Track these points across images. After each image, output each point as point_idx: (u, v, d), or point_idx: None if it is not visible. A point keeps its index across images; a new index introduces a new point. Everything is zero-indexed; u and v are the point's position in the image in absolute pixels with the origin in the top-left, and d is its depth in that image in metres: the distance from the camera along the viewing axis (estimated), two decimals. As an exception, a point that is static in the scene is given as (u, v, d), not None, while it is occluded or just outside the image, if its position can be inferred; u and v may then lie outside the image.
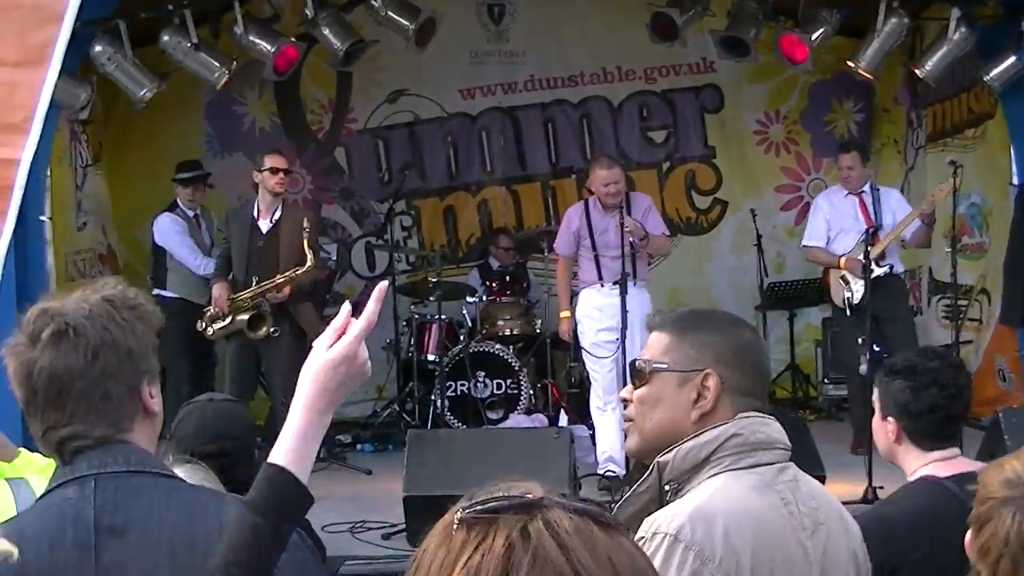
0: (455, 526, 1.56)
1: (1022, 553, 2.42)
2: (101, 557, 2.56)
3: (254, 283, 10.36)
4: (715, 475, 3.03)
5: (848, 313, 10.93)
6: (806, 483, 3.13)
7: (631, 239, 10.16)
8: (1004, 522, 2.46)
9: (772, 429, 3.11)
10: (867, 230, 10.51)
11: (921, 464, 4.32)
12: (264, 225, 10.53)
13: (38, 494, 3.82)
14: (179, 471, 3.65)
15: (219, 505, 2.62)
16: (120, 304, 2.77)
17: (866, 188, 11.25)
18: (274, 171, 10.48)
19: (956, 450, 4.37)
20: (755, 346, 3.32)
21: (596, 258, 10.51)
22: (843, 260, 10.93)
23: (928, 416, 4.31)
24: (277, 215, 10.55)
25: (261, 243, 10.50)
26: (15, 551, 2.23)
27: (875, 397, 4.48)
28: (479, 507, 1.56)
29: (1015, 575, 2.43)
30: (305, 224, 10.34)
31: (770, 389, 10.99)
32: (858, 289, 10.65)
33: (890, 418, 4.37)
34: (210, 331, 10.56)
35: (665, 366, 3.18)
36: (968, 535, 2.60)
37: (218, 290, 10.47)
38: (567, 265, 10.78)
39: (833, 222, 11.26)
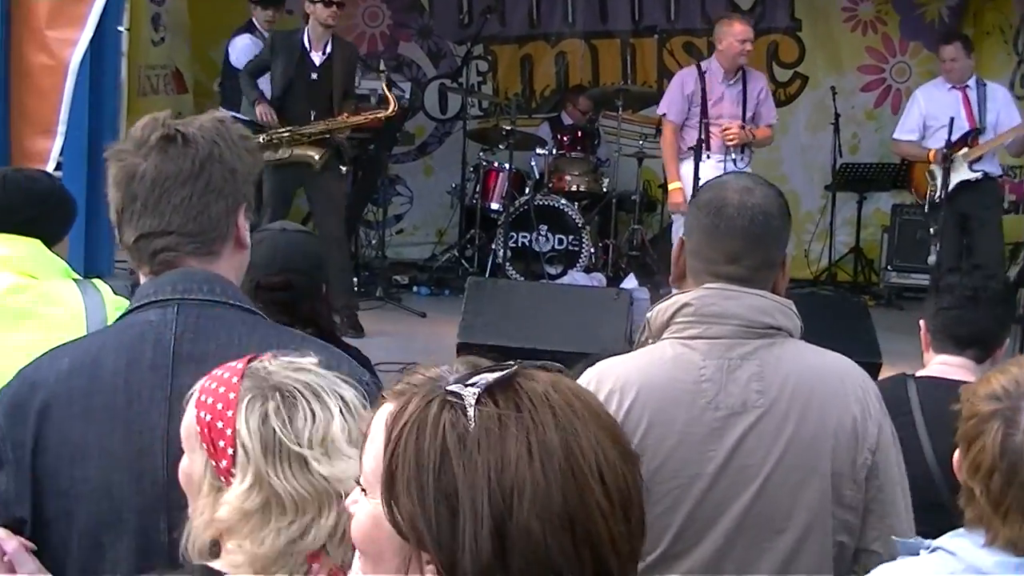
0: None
1: (1012, 466, 2.39)
2: (176, 382, 2.53)
3: (311, 116, 10.18)
4: (666, 339, 3.11)
5: (927, 209, 10.67)
6: (773, 365, 3.06)
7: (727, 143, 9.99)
8: (992, 436, 2.43)
9: (736, 304, 3.07)
10: (969, 131, 10.29)
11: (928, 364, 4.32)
12: (317, 58, 10.29)
13: (107, 302, 3.85)
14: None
15: (299, 347, 2.58)
16: (230, 127, 2.76)
17: (971, 82, 10.73)
18: (327, 3, 10.20)
19: (962, 359, 4.25)
20: (726, 211, 3.17)
21: (706, 126, 10.03)
22: (932, 152, 10.52)
23: (944, 315, 4.27)
24: (329, 48, 10.36)
25: (315, 75, 10.31)
26: None
27: None
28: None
29: (1008, 487, 2.40)
30: (382, 67, 10.19)
31: (832, 271, 10.98)
32: (944, 185, 10.41)
33: (923, 319, 4.35)
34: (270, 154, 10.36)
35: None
36: (956, 454, 2.56)
37: (264, 107, 10.20)
38: (676, 131, 10.18)
39: (930, 117, 10.74)
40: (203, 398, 2.18)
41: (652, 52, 13.87)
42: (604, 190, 12.36)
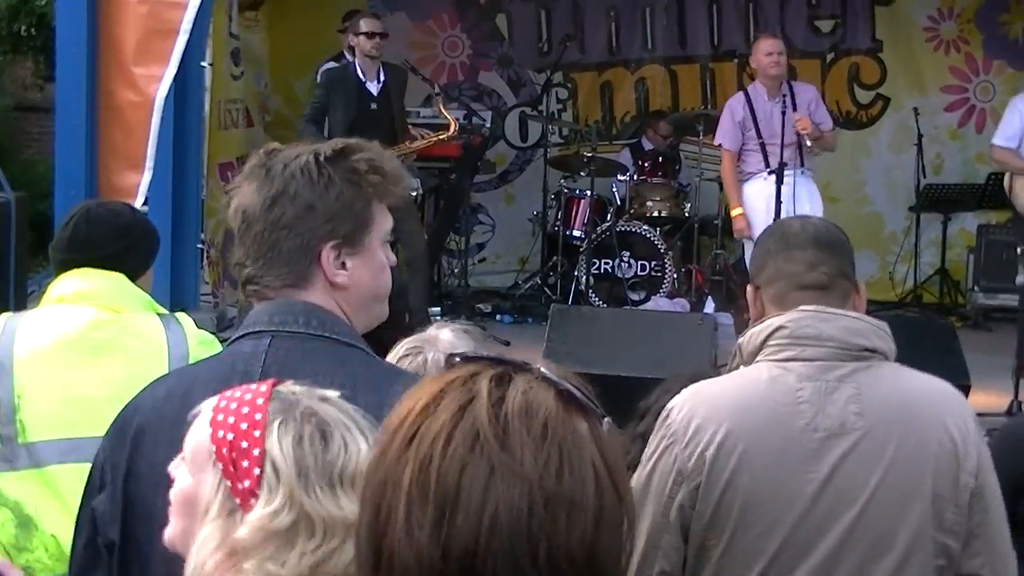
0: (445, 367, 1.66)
1: None
2: None
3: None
4: (760, 362, 3.12)
5: None
6: (871, 386, 3.05)
7: (804, 137, 10.04)
8: None
9: (831, 326, 3.07)
10: None
11: None
12: (374, 88, 10.40)
13: (189, 336, 3.89)
14: (444, 333, 3.66)
15: (389, 384, 2.57)
16: (335, 159, 2.70)
17: None
18: (370, 35, 10.32)
19: None
20: (790, 231, 3.36)
21: (763, 146, 10.31)
22: None
23: None
24: (382, 76, 10.43)
25: (374, 106, 10.39)
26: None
27: None
28: (467, 356, 1.64)
29: None
30: (437, 90, 10.25)
31: (918, 293, 10.92)
32: None
33: None
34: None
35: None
36: None
37: None
38: (733, 160, 10.51)
39: None
40: (220, 417, 2.13)
41: (732, 76, 13.82)
42: (686, 215, 12.33)
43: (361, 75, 10.39)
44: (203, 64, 10.20)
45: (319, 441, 2.09)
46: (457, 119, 11.10)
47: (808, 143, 10.12)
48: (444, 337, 3.63)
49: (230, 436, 2.10)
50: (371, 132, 10.02)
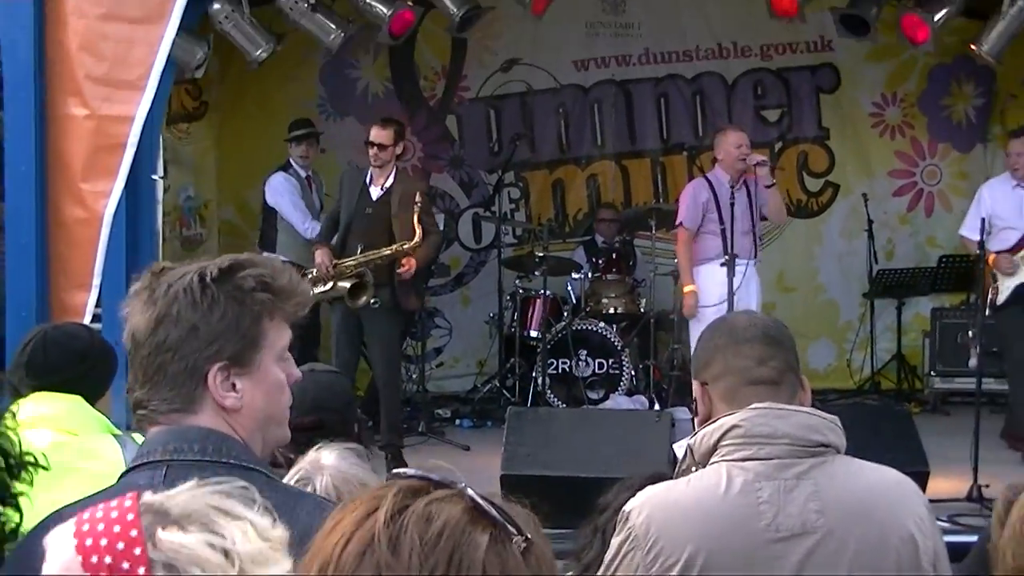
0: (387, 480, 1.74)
1: None
2: None
3: (358, 251, 10.28)
4: (715, 463, 3.09)
5: (989, 311, 10.39)
6: (829, 483, 3.05)
7: (759, 171, 10.30)
8: None
9: (785, 423, 3.06)
10: None
11: None
12: (375, 192, 10.41)
13: None
14: (327, 457, 3.60)
15: (292, 506, 2.51)
16: (221, 277, 2.64)
17: None
18: (369, 145, 10.35)
19: None
20: (737, 326, 3.34)
21: (723, 232, 10.40)
22: (992, 257, 10.31)
23: None
24: (389, 182, 10.44)
25: (370, 210, 10.39)
26: None
27: None
28: (398, 473, 1.73)
29: None
30: (417, 199, 10.27)
31: (875, 379, 10.97)
32: (1005, 288, 10.27)
33: None
34: (314, 290, 10.45)
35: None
36: None
37: (321, 254, 10.30)
38: (690, 239, 10.64)
39: (995, 216, 10.51)
40: (88, 542, 2.02)
41: (683, 169, 13.93)
42: (642, 311, 12.36)
43: (368, 178, 10.42)
44: (154, 177, 10.20)
45: (206, 538, 1.99)
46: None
47: (765, 180, 10.38)
48: (327, 461, 3.57)
49: (107, 559, 1.94)
50: (361, 235, 10.12)
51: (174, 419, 2.63)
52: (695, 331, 10.39)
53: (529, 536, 1.71)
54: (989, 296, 10.35)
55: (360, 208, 10.39)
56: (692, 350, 10.51)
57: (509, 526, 1.69)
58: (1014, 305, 10.24)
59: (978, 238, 10.02)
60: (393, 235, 10.31)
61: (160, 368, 2.61)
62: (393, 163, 10.52)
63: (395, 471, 1.74)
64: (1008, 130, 13.62)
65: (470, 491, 1.70)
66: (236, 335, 2.64)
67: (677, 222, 10.89)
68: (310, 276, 10.26)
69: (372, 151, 10.33)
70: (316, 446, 3.69)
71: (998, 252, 10.33)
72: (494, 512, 1.68)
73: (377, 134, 10.38)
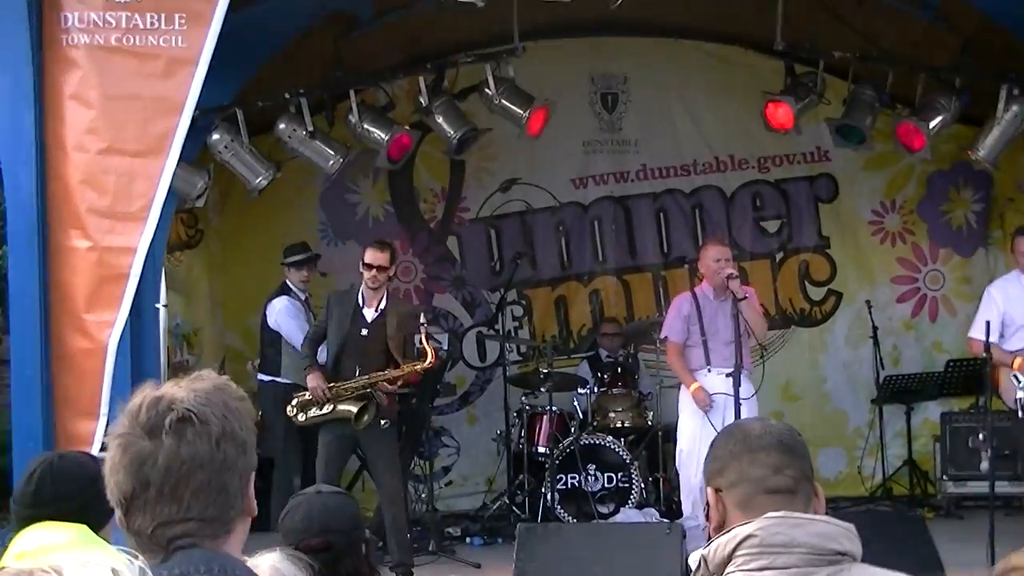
0: None
1: None
2: None
3: (357, 372, 10.27)
4: (731, 573, 3.01)
5: (1021, 415, 10.03)
6: None
7: (732, 286, 10.26)
8: None
9: (802, 532, 2.99)
10: None
11: None
12: (369, 314, 10.41)
13: None
14: (279, 561, 3.59)
15: None
16: (231, 393, 2.69)
17: None
18: (368, 267, 10.34)
19: None
20: (752, 434, 3.26)
21: (705, 343, 10.67)
22: (1017, 361, 10.10)
23: None
24: (383, 304, 10.46)
25: (365, 332, 10.40)
26: None
27: None
28: None
29: None
30: (423, 319, 10.30)
31: (887, 486, 10.91)
32: None
33: None
34: (302, 417, 10.41)
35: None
36: None
37: (316, 378, 10.27)
38: (679, 350, 10.92)
39: (1008, 315, 10.38)
40: None
41: (684, 282, 13.95)
42: (649, 423, 12.32)
43: (361, 301, 10.42)
44: (157, 306, 10.24)
45: None
46: (436, 348, 11.13)
47: (738, 294, 10.26)
48: (265, 564, 3.56)
49: None
50: (357, 357, 10.14)
51: (214, 541, 2.63)
52: (682, 435, 10.83)
53: None
54: (1016, 397, 10.04)
55: (355, 331, 10.39)
56: (679, 457, 10.65)
57: None
58: None
59: (994, 339, 9.98)
60: (390, 356, 10.32)
61: (222, 488, 2.61)
62: (385, 285, 10.55)
63: None
64: (1008, 233, 13.74)
65: None
66: (252, 447, 2.70)
67: (662, 336, 11.24)
68: (300, 400, 10.25)
69: (371, 273, 10.34)
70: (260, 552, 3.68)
71: (1018, 354, 10.13)
72: None
73: (375, 256, 10.41)
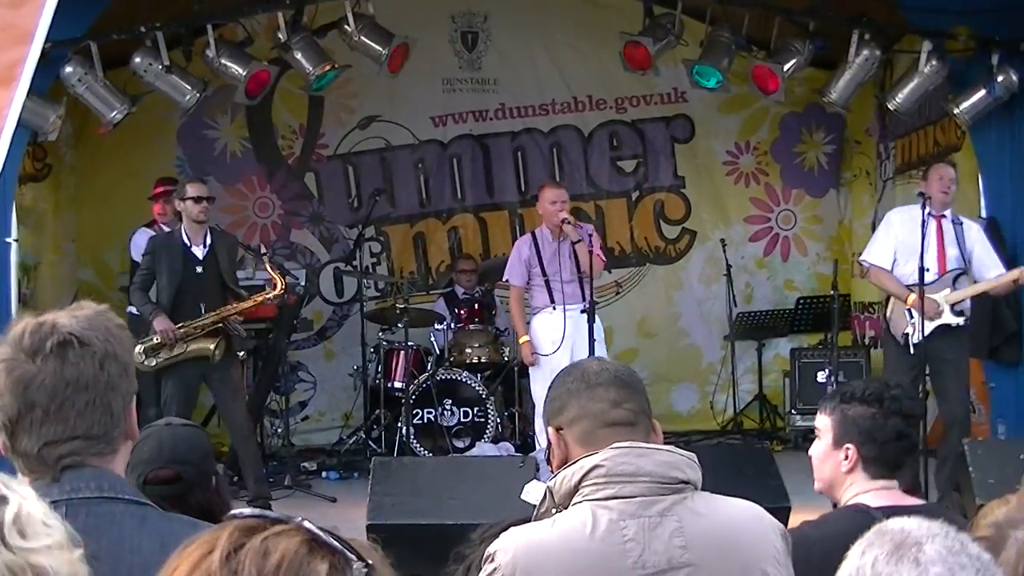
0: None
1: None
2: None
3: (203, 310, 10.21)
4: (578, 504, 3.08)
5: (910, 351, 9.83)
6: (692, 519, 3.07)
7: (572, 240, 10.42)
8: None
9: (647, 461, 3.08)
10: (953, 273, 9.90)
11: (859, 491, 4.22)
12: (199, 252, 10.28)
13: None
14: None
15: (190, 535, 2.57)
16: (111, 320, 2.74)
17: (947, 213, 10.05)
18: (197, 199, 10.21)
19: (895, 482, 4.30)
20: (589, 371, 3.34)
21: (547, 283, 10.82)
22: (912, 297, 9.80)
23: (894, 443, 4.26)
24: (209, 240, 10.40)
25: (200, 269, 10.32)
26: None
27: (824, 424, 4.36)
28: (234, 515, 1.77)
29: None
30: (264, 250, 10.28)
31: (738, 420, 11.08)
32: (924, 329, 9.73)
33: (849, 445, 4.24)
34: (152, 362, 10.16)
35: None
36: None
37: (163, 321, 10.08)
38: (520, 294, 11.09)
39: (903, 244, 10.04)
40: None
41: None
42: (505, 359, 12.42)
43: (187, 240, 10.29)
44: (8, 240, 10.10)
45: None
46: (293, 283, 11.10)
47: (572, 237, 10.42)
48: None
49: None
50: (197, 295, 10.09)
51: (100, 459, 2.69)
52: (535, 379, 10.78)
53: (371, 563, 1.75)
54: (905, 332, 9.94)
55: (189, 270, 10.29)
56: (535, 396, 10.74)
57: (349, 553, 1.72)
58: (939, 339, 9.84)
59: (887, 266, 10.07)
60: (228, 289, 10.31)
61: (107, 408, 2.67)
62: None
63: (231, 512, 1.77)
64: (853, 174, 14.06)
65: (307, 523, 1.73)
66: (133, 370, 2.77)
67: (504, 279, 11.37)
68: (150, 344, 10.13)
69: (200, 206, 10.20)
70: None
71: (910, 286, 9.92)
72: (333, 541, 1.71)
73: (201, 189, 10.37)
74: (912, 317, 9.88)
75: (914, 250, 9.84)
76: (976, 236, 10.05)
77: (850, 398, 4.30)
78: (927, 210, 9.77)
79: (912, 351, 9.85)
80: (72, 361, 2.64)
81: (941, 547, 2.19)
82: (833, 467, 4.30)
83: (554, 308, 10.76)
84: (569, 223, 10.39)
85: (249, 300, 10.26)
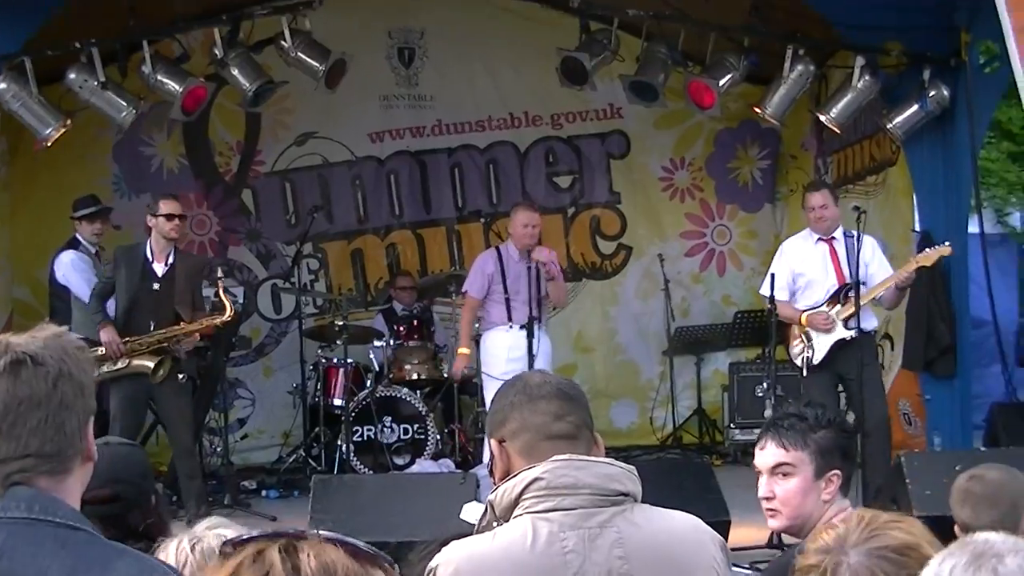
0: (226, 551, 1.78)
1: None
2: None
3: (152, 327, 10.17)
4: (518, 516, 3.11)
5: (805, 373, 10.06)
6: (631, 530, 3.10)
7: (546, 274, 10.58)
8: None
9: (587, 473, 3.11)
10: (843, 287, 9.99)
11: (836, 512, 4.06)
12: (159, 269, 10.27)
13: None
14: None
15: (111, 560, 2.56)
16: (68, 342, 2.72)
17: (838, 234, 10.16)
18: (169, 217, 10.23)
19: None
20: (531, 383, 3.37)
21: (507, 301, 10.89)
22: (805, 316, 10.05)
23: (852, 462, 4.27)
24: (171, 259, 10.37)
25: (157, 286, 10.29)
26: None
27: (798, 458, 4.15)
28: (242, 539, 1.78)
29: None
30: (219, 273, 10.26)
31: (678, 435, 11.13)
32: (821, 348, 10.01)
33: (835, 471, 4.12)
34: (103, 370, 10.19)
35: None
36: None
37: (109, 333, 10.10)
38: (474, 307, 11.13)
39: (799, 273, 10.24)
40: None
41: (479, 236, 14.11)
42: (444, 375, 12.41)
43: (149, 255, 10.28)
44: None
45: None
46: (231, 300, 11.05)
47: (546, 270, 10.64)
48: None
49: None
50: (150, 311, 10.01)
51: (50, 479, 2.66)
52: (488, 392, 10.76)
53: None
54: (802, 355, 10.09)
55: (145, 286, 10.25)
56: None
57: (383, 555, 1.75)
58: (829, 367, 10.06)
59: (785, 296, 10.19)
60: (178, 313, 10.26)
61: (60, 428, 2.64)
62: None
63: (227, 540, 1.76)
64: (792, 189, 14.15)
65: (327, 534, 1.75)
66: (94, 389, 2.76)
67: (463, 289, 11.41)
68: (96, 355, 10.07)
69: (172, 223, 10.23)
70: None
71: (808, 309, 10.13)
72: (366, 548, 1.75)
73: (174, 206, 10.35)
74: (806, 340, 10.07)
75: (810, 277, 10.18)
76: (871, 250, 10.14)
77: (815, 426, 4.16)
78: (815, 237, 10.20)
79: (809, 372, 10.04)
80: (24, 379, 2.62)
81: (1023, 561, 2.22)
82: (814, 500, 4.14)
83: (510, 327, 10.86)
84: (544, 264, 10.61)
85: (196, 323, 10.22)
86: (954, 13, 10.55)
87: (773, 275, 10.14)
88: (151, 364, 10.08)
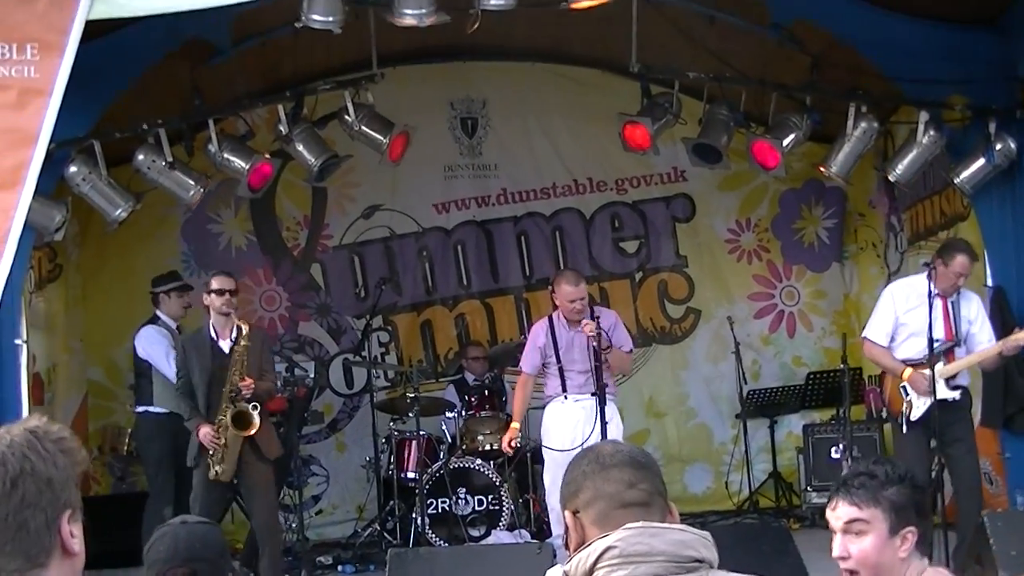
0: None
1: None
2: None
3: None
4: None
5: (904, 430, 9.91)
6: None
7: (594, 344, 10.30)
8: None
9: (660, 540, 3.06)
10: (946, 345, 9.80)
11: (915, 572, 4.14)
12: (225, 346, 10.24)
13: None
14: None
15: None
16: (43, 435, 2.68)
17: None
18: (220, 292, 10.24)
19: None
20: (603, 453, 3.32)
21: (560, 371, 10.80)
22: (907, 373, 9.84)
23: (929, 521, 4.21)
24: (234, 333, 10.33)
25: (227, 363, 10.31)
26: None
27: (872, 515, 4.15)
28: None
29: None
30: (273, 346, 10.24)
31: (754, 499, 11.03)
32: (920, 406, 9.79)
33: (910, 528, 4.12)
34: (219, 469, 10.05)
35: None
36: None
37: (206, 431, 10.00)
38: (529, 382, 11.11)
39: (903, 324, 10.01)
40: None
41: (547, 303, 13.97)
42: (518, 445, 12.34)
43: (214, 334, 10.28)
44: (17, 342, 10.09)
45: None
46: (303, 376, 11.03)
47: (597, 345, 10.33)
48: None
49: None
50: (223, 390, 9.91)
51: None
52: (547, 467, 10.98)
53: None
54: (904, 410, 9.89)
55: (218, 366, 10.24)
56: (545, 484, 10.68)
57: None
58: (927, 424, 9.82)
59: (886, 343, 10.05)
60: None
61: (22, 526, 2.61)
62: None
63: None
64: (859, 247, 14.06)
65: None
66: (72, 483, 2.70)
67: (518, 368, 11.43)
68: (211, 457, 10.03)
69: (224, 298, 10.20)
70: None
71: (909, 363, 9.91)
72: None
73: (225, 281, 10.34)
74: (907, 394, 9.87)
75: (915, 328, 9.88)
76: (976, 309, 10.02)
77: (885, 482, 4.16)
78: (935, 291, 9.77)
79: (909, 428, 9.85)
80: None
81: None
82: (891, 558, 4.16)
83: (565, 397, 10.76)
84: (594, 339, 10.34)
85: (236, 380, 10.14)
86: (1017, 64, 10.49)
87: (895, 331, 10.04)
88: (244, 433, 10.00)
